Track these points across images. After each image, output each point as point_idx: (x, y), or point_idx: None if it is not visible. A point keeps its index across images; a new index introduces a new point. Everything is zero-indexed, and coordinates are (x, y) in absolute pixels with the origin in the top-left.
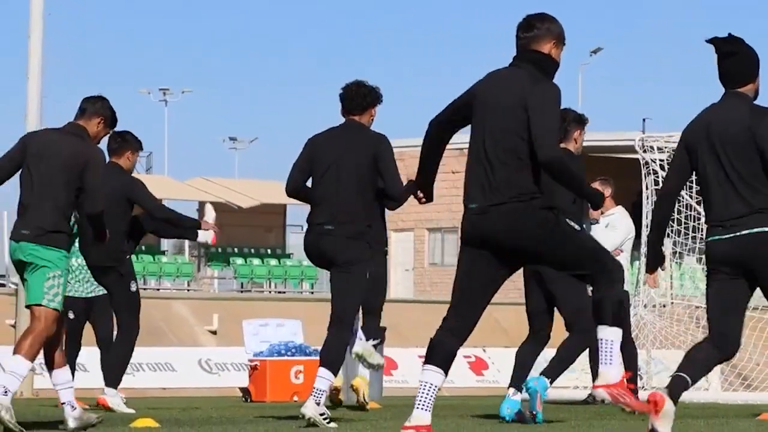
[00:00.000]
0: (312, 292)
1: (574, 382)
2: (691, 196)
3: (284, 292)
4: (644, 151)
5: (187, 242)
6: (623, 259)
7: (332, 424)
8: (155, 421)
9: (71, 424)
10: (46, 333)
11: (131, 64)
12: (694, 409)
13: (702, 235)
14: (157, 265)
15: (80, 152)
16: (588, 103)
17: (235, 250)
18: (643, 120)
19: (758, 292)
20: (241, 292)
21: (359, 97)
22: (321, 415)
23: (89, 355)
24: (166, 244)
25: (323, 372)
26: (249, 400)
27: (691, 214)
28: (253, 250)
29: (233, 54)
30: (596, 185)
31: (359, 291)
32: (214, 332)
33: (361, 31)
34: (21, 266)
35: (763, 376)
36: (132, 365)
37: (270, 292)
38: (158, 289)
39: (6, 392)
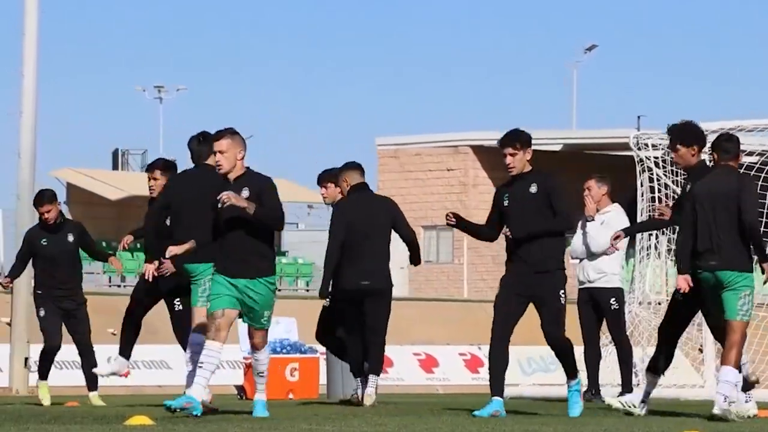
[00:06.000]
0: (307, 290)
1: None
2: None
3: (279, 290)
4: (639, 149)
5: None
6: (618, 256)
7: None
8: (150, 419)
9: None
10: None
11: (126, 61)
12: (690, 407)
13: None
14: None
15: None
16: (583, 101)
17: None
18: (638, 117)
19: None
20: None
21: None
22: None
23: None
24: None
25: None
26: (244, 398)
27: None
28: None
29: (228, 52)
30: (592, 182)
31: None
32: None
33: (356, 29)
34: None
35: (758, 374)
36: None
37: None
38: None
39: (725, 399)
